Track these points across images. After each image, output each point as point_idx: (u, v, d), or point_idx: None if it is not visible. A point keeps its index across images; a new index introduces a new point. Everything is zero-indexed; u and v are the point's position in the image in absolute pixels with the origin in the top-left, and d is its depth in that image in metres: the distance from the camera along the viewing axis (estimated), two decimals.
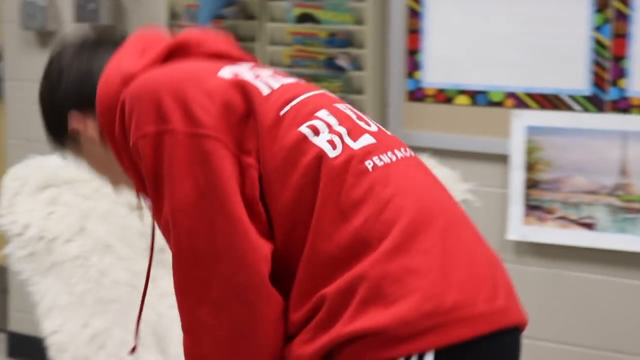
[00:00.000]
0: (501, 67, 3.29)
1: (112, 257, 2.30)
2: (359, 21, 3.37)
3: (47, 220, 2.29)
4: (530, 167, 3.28)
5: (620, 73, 3.14)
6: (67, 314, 2.26)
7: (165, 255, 2.33)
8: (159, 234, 2.27)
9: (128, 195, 2.34)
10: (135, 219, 2.35)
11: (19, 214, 2.29)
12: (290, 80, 1.73)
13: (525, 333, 3.38)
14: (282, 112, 1.62)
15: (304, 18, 3.41)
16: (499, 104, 3.31)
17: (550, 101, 3.24)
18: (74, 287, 2.27)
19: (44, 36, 4.10)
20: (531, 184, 3.28)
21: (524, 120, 3.27)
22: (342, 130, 1.65)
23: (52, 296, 2.28)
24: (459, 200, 2.36)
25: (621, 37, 3.13)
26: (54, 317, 2.26)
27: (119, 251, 2.31)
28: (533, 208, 3.29)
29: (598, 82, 3.16)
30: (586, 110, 3.19)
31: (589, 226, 3.24)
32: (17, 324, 4.35)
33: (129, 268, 2.31)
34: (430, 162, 2.44)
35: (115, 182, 1.80)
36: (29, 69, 4.15)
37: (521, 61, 3.27)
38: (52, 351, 2.24)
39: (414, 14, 3.37)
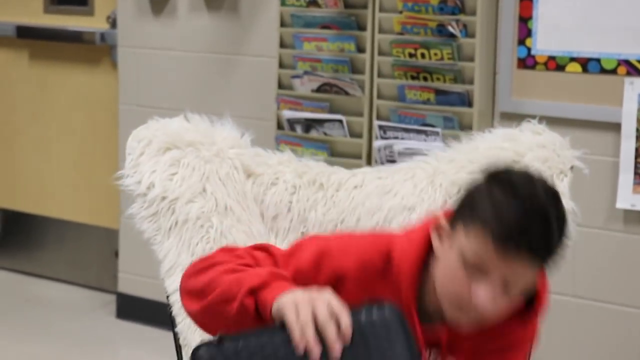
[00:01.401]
0: (614, 33, 3.26)
1: (231, 219, 2.33)
2: None
3: (170, 180, 2.33)
4: None
5: None
6: None
7: (276, 222, 2.38)
8: (270, 202, 2.33)
9: (246, 161, 2.40)
10: (251, 185, 2.40)
11: (143, 174, 2.34)
12: None
13: (633, 303, 3.37)
14: None
15: None
16: (611, 72, 3.28)
17: None
18: (195, 247, 2.31)
19: (157, 4, 4.15)
20: None
21: (636, 88, 3.24)
22: None
23: (173, 255, 2.32)
24: (568, 167, 2.36)
25: None
26: (176, 276, 2.30)
27: (238, 214, 2.34)
28: None
29: None
30: None
31: None
32: (126, 285, 4.45)
33: (247, 231, 2.35)
34: (539, 128, 2.43)
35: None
36: (142, 36, 4.23)
37: (635, 27, 3.23)
38: (174, 309, 2.29)
39: None
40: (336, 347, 1.65)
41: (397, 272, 1.88)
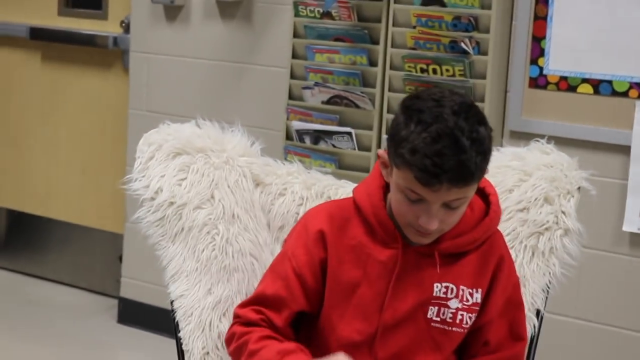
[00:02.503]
0: (627, 56, 3.26)
1: (238, 227, 2.32)
2: (484, 5, 3.36)
3: (179, 186, 2.33)
4: None
5: None
6: (193, 279, 2.30)
7: (283, 233, 2.38)
8: (278, 212, 2.35)
9: (255, 170, 2.40)
10: (259, 194, 2.40)
11: (152, 179, 2.33)
12: None
13: (635, 327, 3.36)
14: None
15: (430, 0, 3.42)
16: (622, 94, 3.28)
17: None
18: (200, 254, 2.31)
19: (171, 10, 4.16)
20: None
21: None
22: None
23: (178, 261, 2.31)
24: (575, 188, 2.36)
25: None
26: (180, 281, 2.30)
27: (245, 222, 2.34)
28: None
29: None
30: None
31: None
32: (128, 290, 4.45)
33: (253, 239, 2.34)
34: (547, 147, 2.43)
35: None
36: (154, 42, 4.23)
37: None
38: (178, 315, 2.28)
39: (541, 0, 3.36)
40: None
41: (362, 208, 2.07)
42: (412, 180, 1.91)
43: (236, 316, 2.15)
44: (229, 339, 2.13)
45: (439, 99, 1.92)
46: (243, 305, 2.15)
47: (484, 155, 1.92)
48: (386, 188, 2.07)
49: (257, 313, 2.10)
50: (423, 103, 1.93)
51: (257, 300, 2.12)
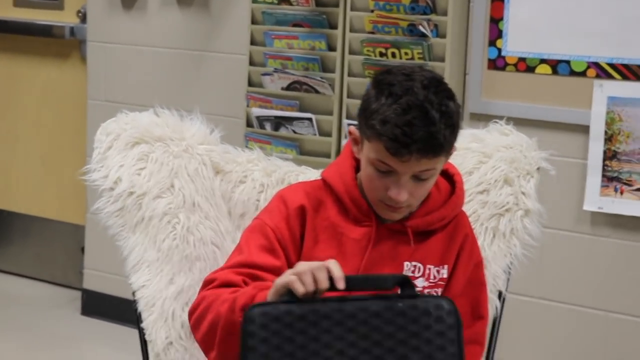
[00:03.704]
0: (584, 36, 3.27)
1: (198, 215, 2.31)
2: None
3: (138, 175, 2.31)
4: (610, 138, 3.26)
5: None
6: (154, 269, 2.28)
7: (244, 220, 2.37)
8: (238, 200, 2.34)
9: (215, 157, 2.39)
10: (219, 182, 2.39)
11: (110, 169, 2.31)
12: None
13: (599, 305, 3.39)
14: None
15: None
16: (581, 74, 3.29)
17: (633, 72, 3.22)
18: (161, 243, 2.29)
19: None
20: (610, 155, 3.27)
21: (605, 90, 3.25)
22: None
23: (139, 252, 2.29)
24: (535, 168, 2.37)
25: None
26: (142, 272, 2.28)
27: (205, 210, 2.33)
28: (611, 179, 3.28)
29: None
30: None
31: None
32: (91, 282, 4.42)
33: (214, 228, 2.33)
34: (507, 129, 2.43)
35: None
36: (111, 31, 4.20)
37: (605, 31, 3.24)
38: (140, 305, 2.26)
39: None
40: (339, 283, 1.80)
41: (335, 187, 2.09)
42: (382, 151, 1.95)
43: (209, 281, 2.04)
44: (195, 307, 2.03)
45: (410, 73, 1.97)
46: (217, 270, 2.07)
47: (453, 129, 1.97)
48: (357, 168, 2.10)
49: (240, 275, 2.02)
50: (394, 77, 1.97)
51: (243, 266, 2.04)
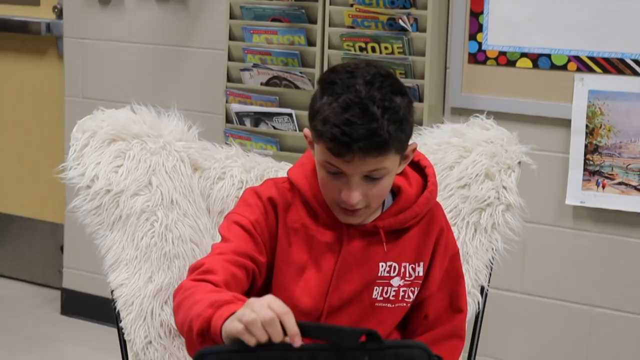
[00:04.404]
0: (565, 30, 3.26)
1: (177, 213, 2.28)
2: None
3: (115, 173, 2.28)
4: (592, 132, 3.26)
5: None
6: (132, 268, 2.26)
7: (222, 218, 2.35)
8: (217, 197, 2.31)
9: (193, 154, 2.36)
10: (197, 179, 2.36)
11: (87, 166, 2.28)
12: None
13: (582, 300, 3.38)
14: None
15: None
16: (561, 68, 3.28)
17: (614, 65, 3.21)
18: (140, 241, 2.27)
19: None
20: (592, 149, 3.26)
21: (586, 84, 3.24)
22: None
23: (117, 250, 2.27)
24: (516, 162, 2.36)
25: None
26: (120, 270, 2.26)
27: (184, 208, 2.30)
28: (593, 173, 3.27)
29: None
30: None
31: None
32: (71, 281, 4.39)
33: (193, 225, 2.31)
34: (487, 123, 2.42)
35: None
36: (88, 27, 4.17)
37: (585, 24, 3.23)
38: (118, 304, 2.24)
39: None
40: (295, 339, 1.62)
41: (303, 191, 2.03)
42: (326, 152, 1.90)
43: (195, 267, 1.96)
44: (175, 294, 1.95)
45: (353, 70, 1.92)
46: (207, 256, 2.00)
47: (399, 124, 1.89)
48: None
49: (228, 263, 1.96)
50: (336, 75, 1.93)
51: (235, 254, 1.98)
